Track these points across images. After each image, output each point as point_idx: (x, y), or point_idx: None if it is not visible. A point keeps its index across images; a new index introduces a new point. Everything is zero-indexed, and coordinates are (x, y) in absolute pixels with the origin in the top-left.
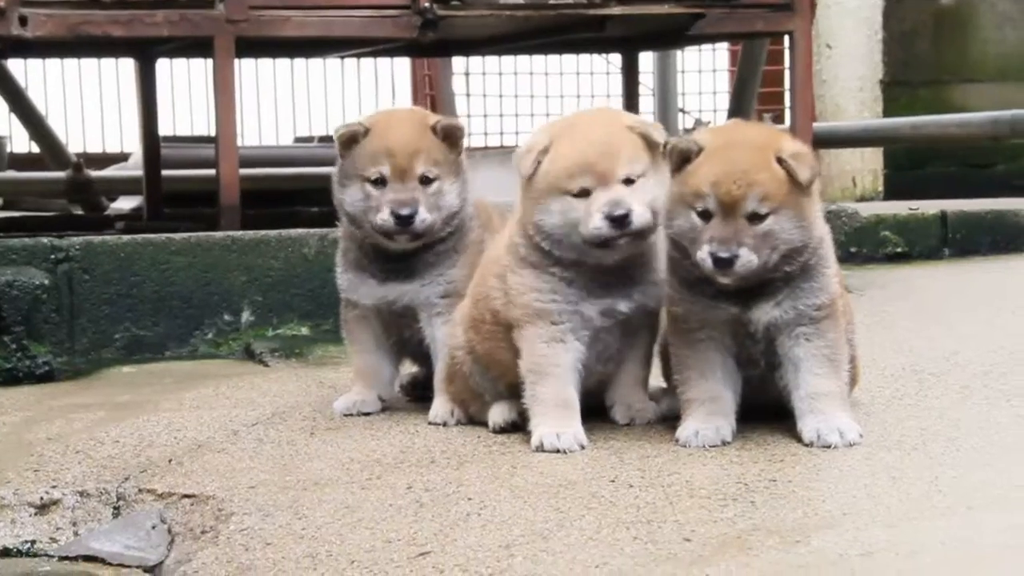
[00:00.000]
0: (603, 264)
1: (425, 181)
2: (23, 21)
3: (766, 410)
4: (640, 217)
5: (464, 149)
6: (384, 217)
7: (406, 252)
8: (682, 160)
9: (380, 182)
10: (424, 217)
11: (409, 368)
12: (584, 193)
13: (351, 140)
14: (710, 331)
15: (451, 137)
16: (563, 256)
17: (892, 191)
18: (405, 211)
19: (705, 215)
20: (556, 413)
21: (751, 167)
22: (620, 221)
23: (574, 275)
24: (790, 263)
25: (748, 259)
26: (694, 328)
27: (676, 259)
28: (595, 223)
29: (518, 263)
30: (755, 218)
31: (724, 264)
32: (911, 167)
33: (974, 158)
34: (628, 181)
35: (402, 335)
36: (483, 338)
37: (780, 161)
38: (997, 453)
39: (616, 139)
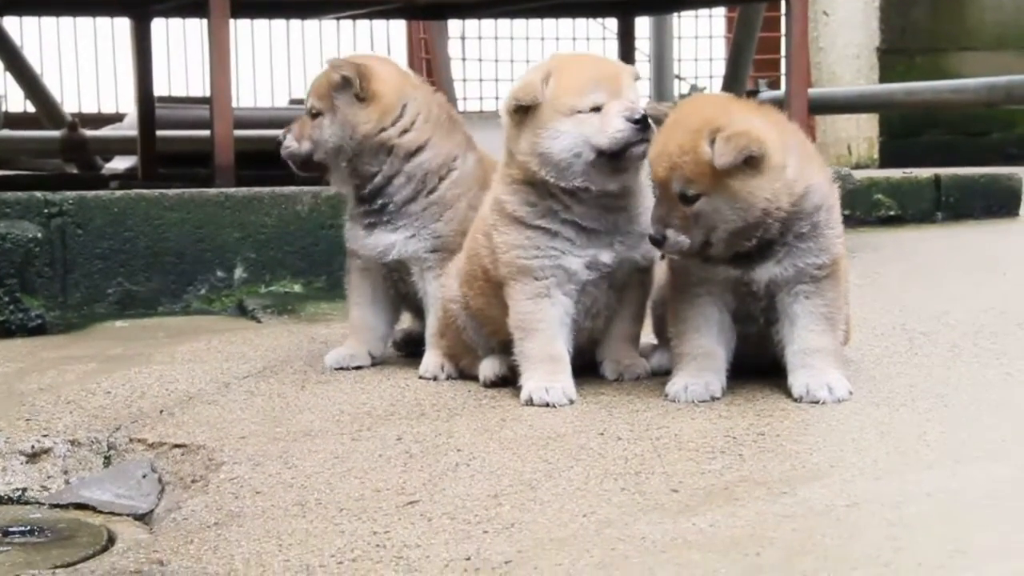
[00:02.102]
0: (605, 191)
1: (312, 114)
2: None
3: (762, 368)
4: (653, 126)
5: (362, 89)
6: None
7: (362, 197)
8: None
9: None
10: (288, 144)
11: (404, 324)
12: (597, 109)
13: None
14: (710, 287)
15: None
16: (567, 186)
17: (887, 159)
18: (280, 138)
19: (654, 191)
20: (545, 368)
21: (677, 149)
22: (641, 122)
23: (559, 226)
24: (749, 237)
25: (676, 239)
26: (693, 283)
27: None
28: (617, 126)
29: (502, 220)
30: (685, 199)
31: (655, 243)
32: (906, 135)
33: (969, 126)
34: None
35: (398, 289)
36: (476, 293)
37: (712, 143)
38: (985, 410)
39: (616, 64)
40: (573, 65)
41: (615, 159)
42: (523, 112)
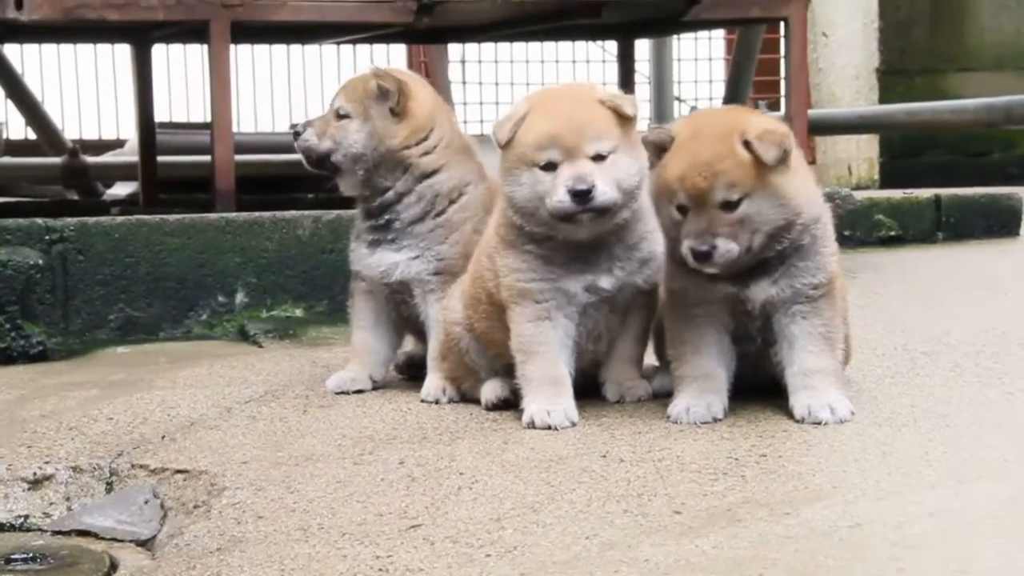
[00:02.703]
0: (573, 239)
1: (339, 116)
2: (19, 5)
3: (761, 387)
4: (603, 195)
5: (398, 104)
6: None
7: (369, 211)
8: (659, 151)
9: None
10: (307, 138)
11: (407, 347)
12: (551, 166)
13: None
14: (707, 307)
15: (386, 92)
16: (534, 231)
17: (887, 179)
18: (300, 130)
19: (682, 209)
20: (546, 391)
21: (713, 157)
22: (582, 196)
23: (550, 252)
24: (779, 241)
25: (726, 248)
26: (691, 304)
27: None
28: (559, 196)
29: (501, 243)
30: (727, 206)
31: (703, 257)
32: (906, 155)
33: (969, 147)
34: (598, 157)
35: (401, 312)
36: (481, 316)
37: (747, 144)
38: (987, 429)
39: (586, 114)
40: (543, 112)
41: (566, 220)
42: (502, 146)
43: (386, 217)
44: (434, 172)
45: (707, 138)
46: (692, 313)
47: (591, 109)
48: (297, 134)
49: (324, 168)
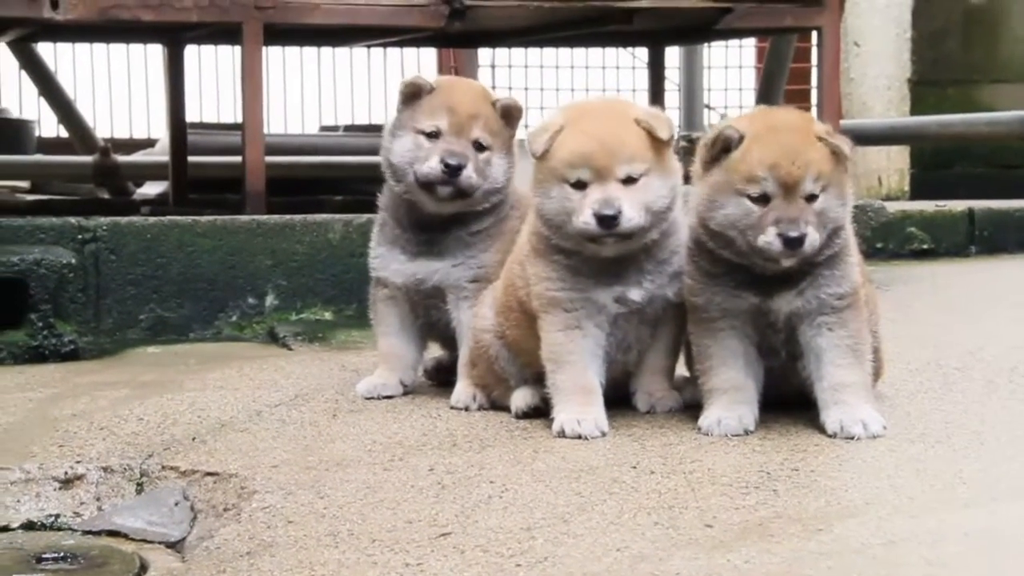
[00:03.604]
0: (599, 256)
1: (479, 147)
2: (54, 4)
3: (788, 400)
4: (629, 221)
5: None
6: (432, 165)
7: (443, 220)
8: (723, 149)
9: (435, 135)
10: (471, 174)
11: (434, 352)
12: (581, 185)
13: (414, 94)
14: (731, 320)
15: (509, 116)
16: (561, 244)
17: (918, 191)
18: (453, 161)
19: (762, 199)
20: (576, 399)
21: (802, 147)
22: (608, 221)
23: (579, 263)
24: (830, 243)
25: (814, 237)
26: (715, 318)
27: (698, 249)
28: (584, 218)
29: (532, 251)
30: (811, 198)
31: (795, 244)
32: (938, 167)
33: (1002, 159)
34: (629, 180)
35: (429, 317)
36: (512, 324)
37: (821, 139)
38: (1021, 447)
39: (620, 134)
40: (578, 129)
41: (591, 241)
42: (536, 157)
43: (454, 232)
44: (508, 186)
45: (787, 130)
46: (716, 327)
47: (626, 129)
48: (459, 168)
49: (459, 199)
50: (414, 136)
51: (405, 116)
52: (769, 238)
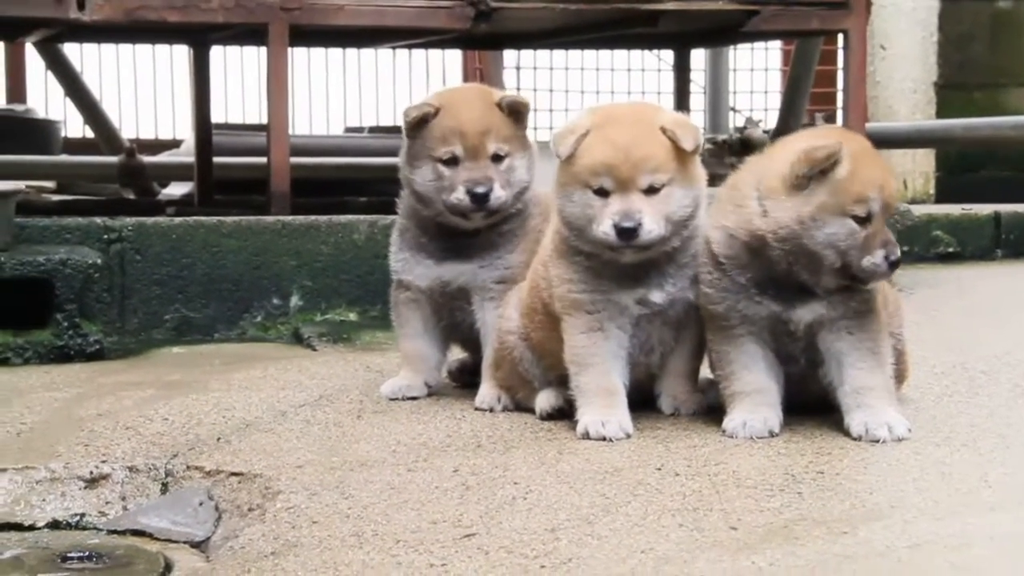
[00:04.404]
0: (618, 263)
1: (497, 159)
2: (81, 5)
3: (808, 407)
4: (648, 234)
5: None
6: (459, 196)
7: (478, 230)
8: (829, 163)
9: (452, 161)
10: (499, 194)
11: (457, 354)
12: (603, 192)
13: (421, 121)
14: (749, 327)
15: (517, 112)
16: (581, 247)
17: (943, 194)
18: (480, 189)
19: (866, 220)
20: (600, 401)
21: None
22: (627, 233)
23: (600, 266)
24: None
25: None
26: (734, 325)
27: (723, 260)
28: (604, 228)
29: (555, 252)
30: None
31: (896, 264)
32: (963, 171)
33: None
34: (651, 190)
35: (453, 319)
36: (536, 327)
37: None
38: None
39: (645, 144)
40: (603, 135)
41: (611, 249)
42: (561, 160)
43: (480, 235)
44: (532, 181)
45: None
46: (735, 333)
47: (651, 138)
48: (486, 196)
49: (492, 215)
50: (433, 165)
51: (418, 145)
52: (877, 259)
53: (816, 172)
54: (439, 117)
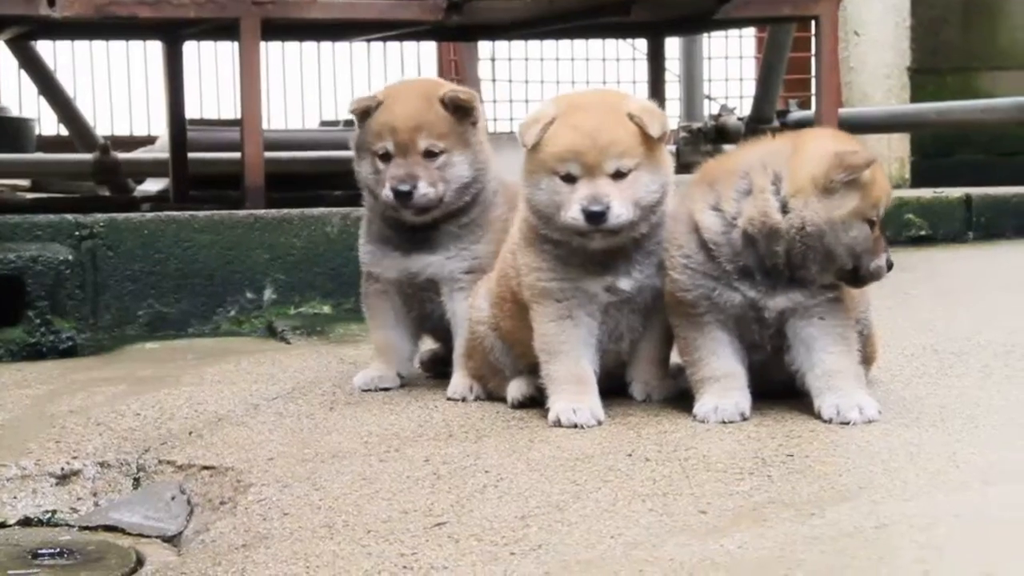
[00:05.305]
0: (586, 249)
1: (429, 155)
2: (51, 2)
3: (768, 395)
4: (617, 217)
5: (478, 120)
6: (386, 192)
7: (426, 224)
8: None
9: (386, 157)
10: (425, 191)
11: (429, 344)
12: (571, 179)
13: (364, 112)
14: (716, 314)
15: (460, 109)
16: (549, 235)
17: (919, 178)
18: (403, 187)
19: (873, 220)
20: (571, 389)
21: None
22: (596, 217)
23: (567, 253)
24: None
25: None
26: (701, 312)
27: (709, 241)
28: (572, 214)
29: (523, 241)
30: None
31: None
32: (938, 155)
33: (1002, 146)
34: (618, 175)
35: (423, 310)
36: (506, 315)
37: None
38: (1016, 431)
39: (611, 129)
40: (569, 122)
41: (579, 235)
42: (526, 148)
43: (440, 228)
44: (483, 175)
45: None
46: (702, 320)
47: (617, 124)
48: (409, 193)
49: (423, 213)
50: (371, 158)
51: (362, 136)
52: (880, 261)
53: (852, 178)
54: (378, 111)
